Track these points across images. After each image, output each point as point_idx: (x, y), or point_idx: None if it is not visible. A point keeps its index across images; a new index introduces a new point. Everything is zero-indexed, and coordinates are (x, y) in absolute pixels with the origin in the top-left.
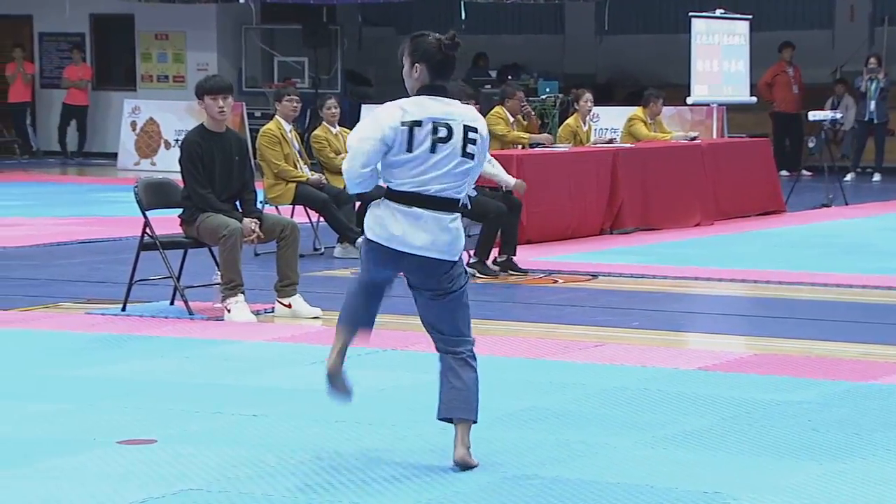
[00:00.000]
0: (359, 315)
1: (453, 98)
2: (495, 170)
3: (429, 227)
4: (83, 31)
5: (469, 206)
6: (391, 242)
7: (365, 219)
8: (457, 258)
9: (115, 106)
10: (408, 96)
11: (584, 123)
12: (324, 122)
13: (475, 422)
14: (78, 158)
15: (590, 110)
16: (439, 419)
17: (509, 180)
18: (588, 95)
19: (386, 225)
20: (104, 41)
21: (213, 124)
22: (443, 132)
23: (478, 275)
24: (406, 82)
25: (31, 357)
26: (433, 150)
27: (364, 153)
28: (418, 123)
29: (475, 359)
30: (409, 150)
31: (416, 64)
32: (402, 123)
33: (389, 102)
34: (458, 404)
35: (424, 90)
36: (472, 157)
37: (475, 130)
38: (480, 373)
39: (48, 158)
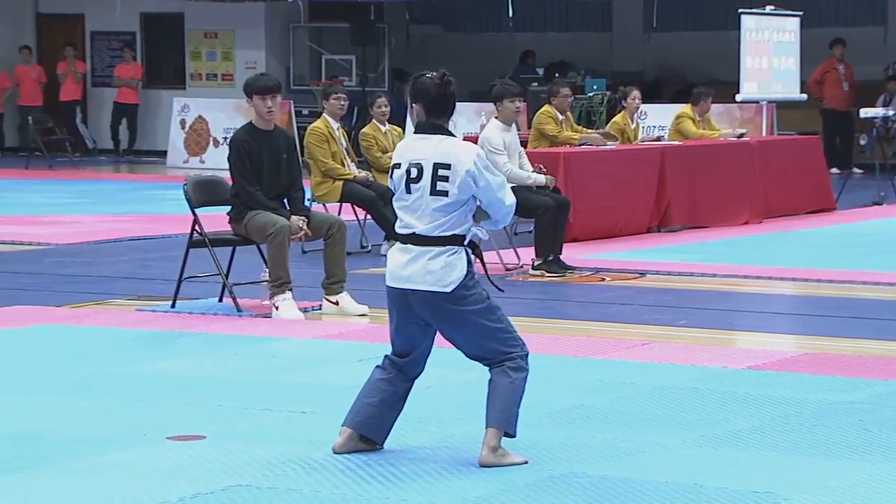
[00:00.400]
0: (358, 401)
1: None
2: (523, 173)
3: (417, 261)
4: (134, 29)
5: (475, 244)
6: (388, 279)
7: None
8: (449, 289)
9: (164, 104)
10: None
11: (632, 121)
12: (373, 120)
13: (508, 433)
14: (128, 156)
15: (637, 108)
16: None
17: (538, 179)
18: (636, 93)
19: (388, 264)
20: (154, 40)
21: (262, 122)
22: (414, 172)
23: (546, 274)
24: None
25: (82, 353)
26: (408, 190)
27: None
28: (397, 166)
29: (518, 368)
30: (396, 190)
31: (414, 104)
32: (392, 166)
33: None
34: (488, 410)
35: (418, 128)
36: (444, 193)
37: (447, 167)
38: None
39: (100, 156)
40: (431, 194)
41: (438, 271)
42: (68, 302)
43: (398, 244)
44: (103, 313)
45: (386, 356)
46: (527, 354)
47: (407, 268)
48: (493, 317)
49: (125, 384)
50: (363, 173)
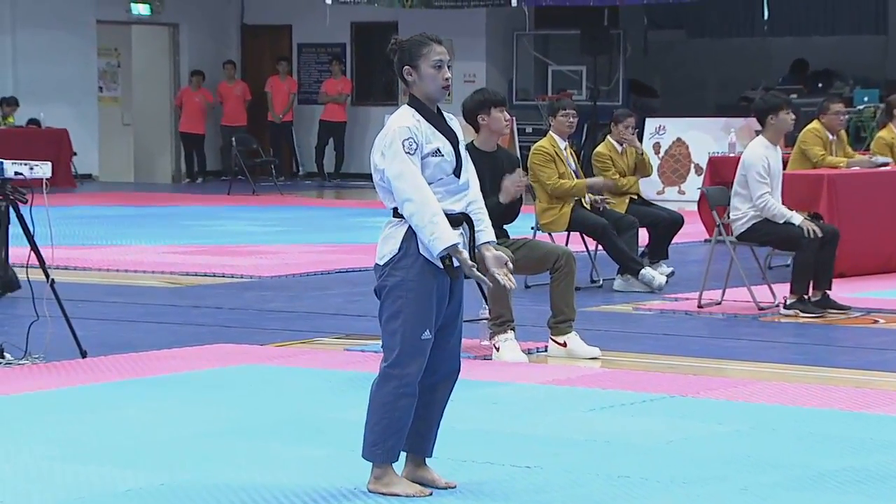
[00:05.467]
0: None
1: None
2: (784, 210)
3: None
4: (344, 41)
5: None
6: None
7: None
8: (380, 261)
9: (374, 122)
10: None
11: None
12: (609, 138)
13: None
14: (335, 180)
15: None
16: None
17: (796, 217)
18: None
19: None
20: (364, 52)
21: (486, 142)
22: None
23: (800, 314)
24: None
25: (290, 397)
26: None
27: None
28: None
29: (382, 377)
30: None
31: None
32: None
33: None
34: None
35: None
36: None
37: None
38: (785, 426)
39: (304, 180)
40: None
41: (380, 242)
42: (273, 340)
43: None
44: (310, 353)
45: None
46: (397, 367)
47: None
48: (394, 307)
49: (335, 431)
50: (599, 179)
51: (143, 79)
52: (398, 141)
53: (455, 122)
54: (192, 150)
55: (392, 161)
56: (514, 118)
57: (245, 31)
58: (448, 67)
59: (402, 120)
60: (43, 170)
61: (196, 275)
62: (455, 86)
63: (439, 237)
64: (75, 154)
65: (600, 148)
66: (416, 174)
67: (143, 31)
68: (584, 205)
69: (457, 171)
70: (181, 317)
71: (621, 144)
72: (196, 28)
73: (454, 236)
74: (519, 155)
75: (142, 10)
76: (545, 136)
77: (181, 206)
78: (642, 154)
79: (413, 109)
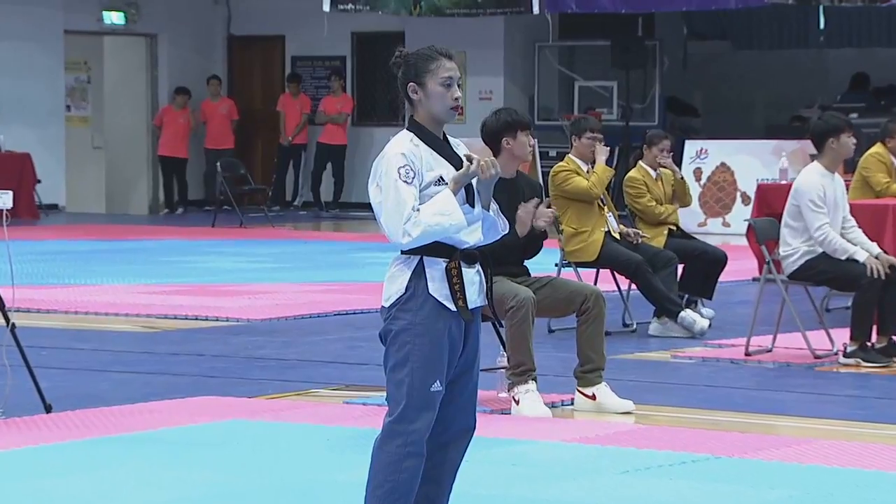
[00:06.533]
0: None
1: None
2: (846, 245)
3: None
4: (344, 53)
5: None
6: None
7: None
8: (385, 303)
9: (377, 145)
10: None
11: None
12: (640, 163)
13: None
14: (333, 210)
15: None
16: None
17: (865, 250)
18: None
19: None
20: (367, 65)
21: (505, 168)
22: None
23: (862, 363)
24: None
25: (281, 457)
26: None
27: None
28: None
29: (385, 435)
30: None
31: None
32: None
33: None
34: None
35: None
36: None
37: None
38: (844, 491)
39: (299, 211)
40: None
41: (386, 281)
42: (263, 392)
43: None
44: (305, 406)
45: None
46: (403, 422)
47: None
48: (401, 355)
49: (332, 495)
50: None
51: (117, 96)
52: (394, 169)
53: (462, 148)
54: (172, 177)
55: (387, 193)
56: (536, 141)
57: (232, 42)
58: (458, 86)
59: (398, 146)
60: (3, 199)
61: (175, 318)
62: (469, 104)
63: (450, 215)
64: (39, 181)
65: (633, 172)
66: (410, 205)
67: (117, 42)
68: (615, 237)
69: (470, 201)
70: (158, 366)
71: (655, 170)
72: (176, 39)
73: (446, 194)
74: (541, 180)
75: (115, 18)
76: (565, 158)
77: (159, 241)
78: (681, 178)
79: (412, 134)
